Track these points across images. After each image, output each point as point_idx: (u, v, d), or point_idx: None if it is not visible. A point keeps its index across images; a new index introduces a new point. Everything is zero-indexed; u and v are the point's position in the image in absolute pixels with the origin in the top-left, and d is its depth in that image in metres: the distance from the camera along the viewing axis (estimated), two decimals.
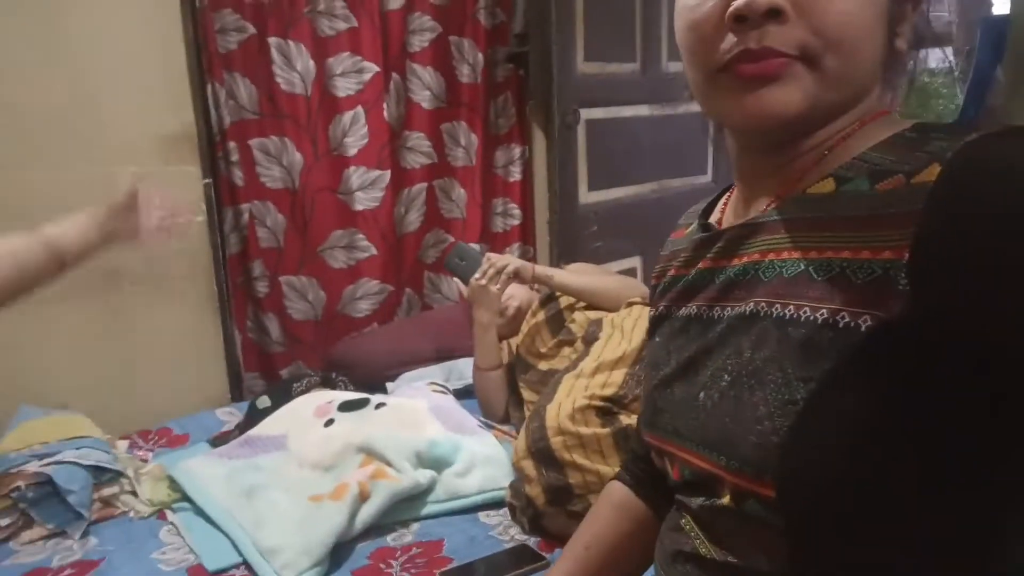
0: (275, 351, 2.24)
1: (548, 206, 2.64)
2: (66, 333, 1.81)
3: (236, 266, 2.16)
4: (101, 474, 1.49)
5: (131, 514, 1.46)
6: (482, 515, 1.42)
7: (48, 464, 1.43)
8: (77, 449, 1.49)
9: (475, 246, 1.89)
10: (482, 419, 1.86)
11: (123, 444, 1.71)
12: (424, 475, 1.44)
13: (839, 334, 0.48)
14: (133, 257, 1.87)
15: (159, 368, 1.95)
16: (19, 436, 1.54)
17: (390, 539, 1.34)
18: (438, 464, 1.49)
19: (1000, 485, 0.45)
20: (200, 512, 1.42)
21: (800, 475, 0.49)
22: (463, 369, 2.10)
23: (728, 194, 0.70)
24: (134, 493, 1.51)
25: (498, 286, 1.78)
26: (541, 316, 1.87)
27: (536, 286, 1.89)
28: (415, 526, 1.39)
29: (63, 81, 1.76)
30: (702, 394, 0.59)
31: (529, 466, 1.30)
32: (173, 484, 1.52)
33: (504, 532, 1.35)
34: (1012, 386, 0.42)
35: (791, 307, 0.53)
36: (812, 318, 0.50)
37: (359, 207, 2.31)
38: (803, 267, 0.53)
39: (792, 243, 0.55)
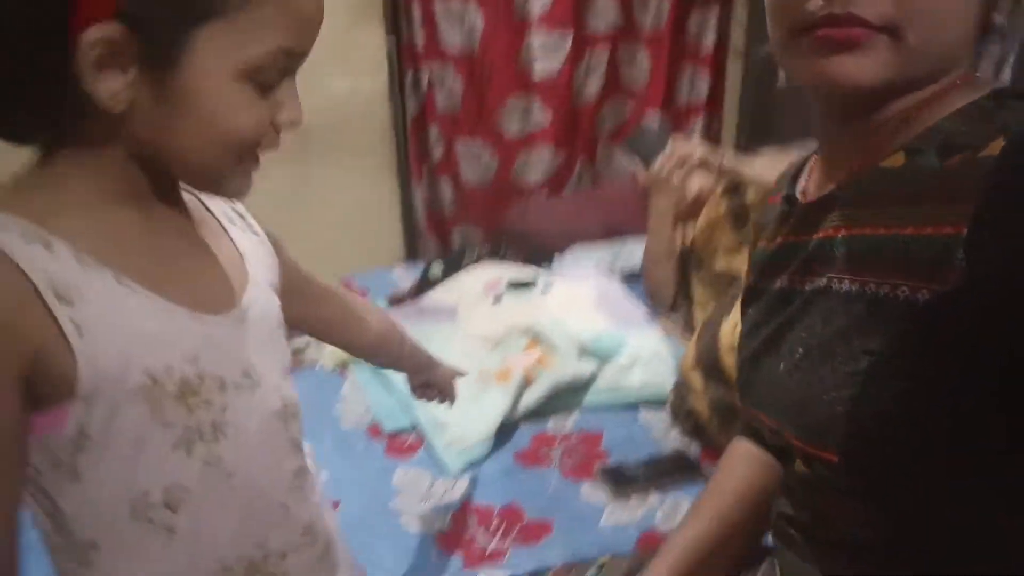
0: (447, 214, 2.28)
1: (741, 80, 2.40)
2: (260, 197, 1.92)
3: (414, 129, 2.16)
4: (290, 330, 1.61)
5: (317, 367, 1.59)
6: (642, 413, 1.41)
7: None
8: None
9: (656, 126, 1.76)
10: (649, 306, 1.82)
11: None
12: (587, 366, 1.45)
13: (899, 307, 0.51)
14: (321, 123, 1.93)
15: (342, 227, 2.06)
16: None
17: (550, 425, 1.38)
18: (602, 357, 1.48)
19: None
20: (378, 373, 1.53)
21: (861, 441, 0.53)
22: (631, 251, 2.04)
23: (815, 158, 0.69)
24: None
25: (681, 175, 1.66)
26: (723, 207, 1.75)
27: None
28: (575, 415, 1.41)
29: None
30: (782, 365, 0.62)
31: (696, 378, 1.26)
32: None
33: (663, 435, 1.34)
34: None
35: (858, 282, 0.55)
36: (875, 292, 0.53)
37: (538, 73, 2.21)
38: (871, 243, 0.55)
39: (863, 219, 0.56)
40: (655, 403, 1.42)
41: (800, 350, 0.60)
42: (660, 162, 1.68)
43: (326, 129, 1.95)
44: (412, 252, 2.22)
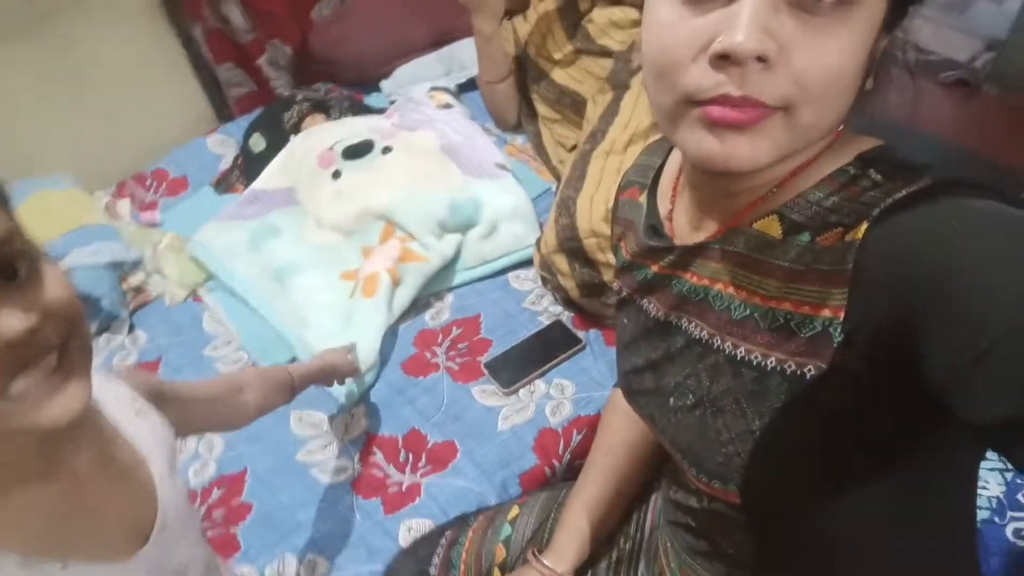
0: (245, 40, 1.95)
1: None
2: (12, 88, 1.56)
3: None
4: (121, 266, 1.46)
5: (166, 300, 1.48)
6: (513, 279, 1.43)
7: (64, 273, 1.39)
8: (87, 246, 1.43)
9: None
10: (494, 131, 1.73)
11: (124, 205, 1.63)
12: (449, 245, 1.42)
13: (787, 379, 0.54)
14: None
15: (128, 101, 1.74)
16: None
17: (428, 318, 1.39)
18: (462, 227, 1.44)
19: (909, 470, 0.56)
20: (234, 296, 1.44)
21: (761, 488, 0.59)
22: (462, 56, 1.86)
23: (677, 172, 0.68)
24: (160, 272, 1.51)
25: None
26: (551, 3, 1.57)
27: None
28: (449, 297, 1.42)
29: None
30: (671, 399, 0.65)
31: (561, 260, 1.26)
32: (197, 259, 1.50)
33: (537, 302, 1.38)
34: (911, 419, 0.51)
35: (742, 348, 0.57)
36: (763, 363, 0.56)
37: None
38: (750, 311, 0.57)
39: (740, 280, 0.58)
40: (522, 264, 1.43)
41: (690, 398, 0.63)
42: None
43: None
44: (221, 109, 1.93)
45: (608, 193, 1.21)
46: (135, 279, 1.47)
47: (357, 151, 1.54)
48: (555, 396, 1.23)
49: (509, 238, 1.44)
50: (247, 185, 1.63)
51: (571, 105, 1.53)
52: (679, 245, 0.64)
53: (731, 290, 0.59)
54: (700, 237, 0.61)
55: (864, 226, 0.49)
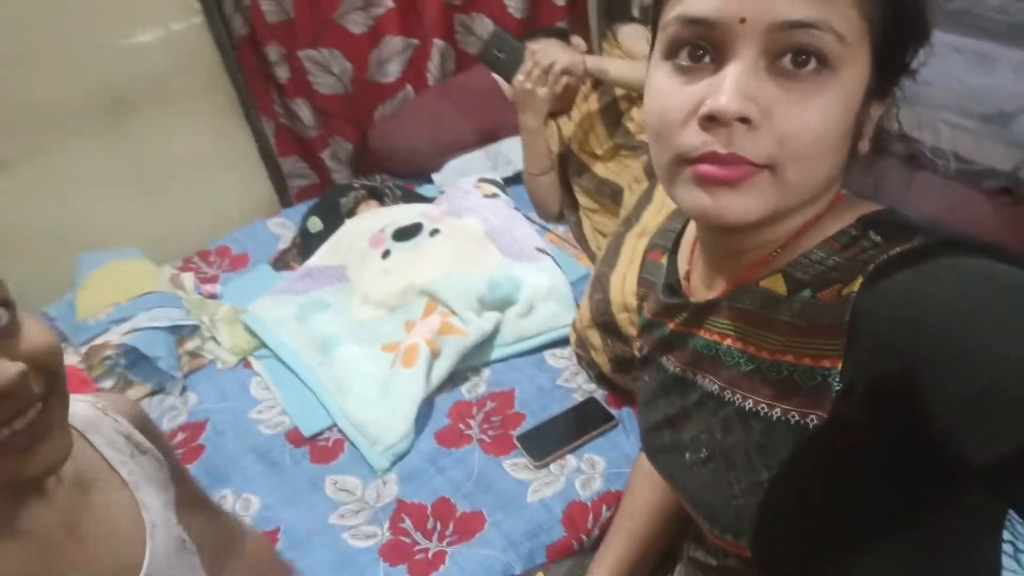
0: (311, 135, 2.11)
1: None
2: (95, 171, 1.73)
3: (247, 52, 1.93)
4: (180, 330, 1.55)
5: (218, 365, 1.56)
6: (548, 356, 1.47)
7: (128, 333, 1.49)
8: (150, 310, 1.53)
9: (505, 35, 1.62)
10: (536, 221, 1.81)
11: (188, 278, 1.74)
12: (488, 321, 1.47)
13: (792, 430, 0.57)
14: (137, 80, 1.70)
15: (199, 186, 1.89)
16: (90, 296, 1.57)
17: (465, 390, 1.42)
18: (500, 305, 1.50)
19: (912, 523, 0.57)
20: (283, 365, 1.51)
21: (771, 541, 0.61)
22: (509, 153, 1.98)
23: (695, 235, 0.71)
24: (215, 339, 1.59)
25: (545, 89, 1.58)
26: (594, 103, 1.69)
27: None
28: (486, 372, 1.46)
29: None
30: (687, 455, 0.68)
31: (594, 336, 1.30)
32: (249, 328, 1.59)
33: (571, 380, 1.41)
34: (912, 468, 0.52)
35: (750, 400, 0.60)
36: (769, 415, 0.59)
37: None
38: (757, 365, 0.60)
39: (747, 336, 0.61)
40: (559, 342, 1.48)
41: (704, 451, 0.66)
42: (521, 77, 1.58)
43: (145, 85, 1.73)
44: (283, 194, 2.08)
45: (640, 272, 1.26)
46: (191, 344, 1.55)
47: (406, 233, 1.63)
48: (586, 471, 1.23)
49: (546, 317, 1.49)
50: (302, 263, 1.73)
51: (610, 195, 1.61)
52: (692, 302, 0.67)
53: (740, 345, 0.61)
54: (712, 295, 0.65)
55: (859, 280, 0.52)
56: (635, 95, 1.61)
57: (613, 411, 1.32)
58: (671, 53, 0.54)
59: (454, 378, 1.44)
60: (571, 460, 1.25)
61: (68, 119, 1.64)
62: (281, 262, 1.79)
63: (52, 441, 0.51)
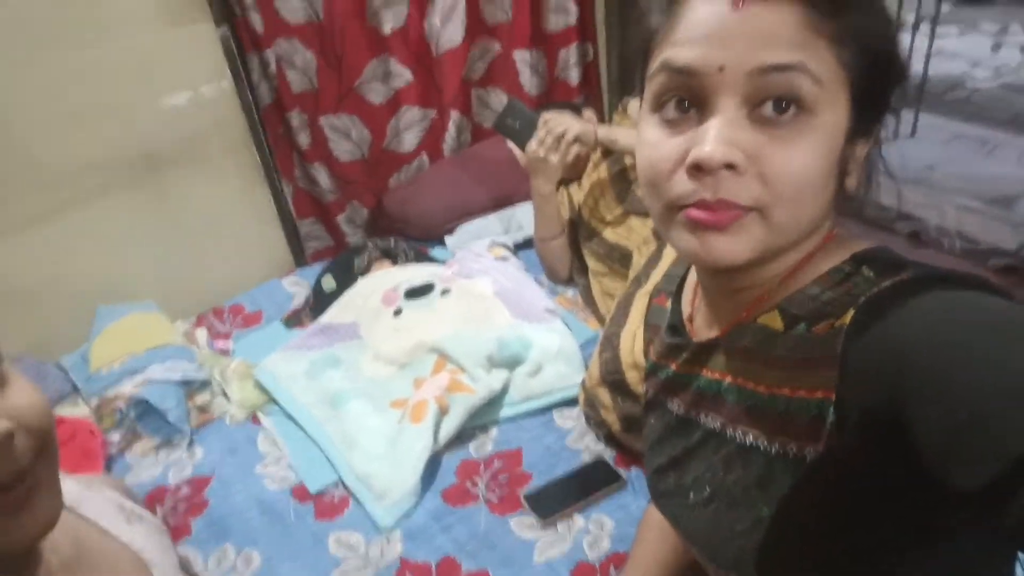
0: (328, 199, 2.17)
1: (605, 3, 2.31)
2: (119, 229, 1.78)
3: (272, 118, 2.00)
4: (191, 384, 1.56)
5: (227, 420, 1.56)
6: (557, 416, 1.47)
7: (141, 384, 1.50)
8: (163, 363, 1.55)
9: (519, 105, 1.69)
10: (546, 283, 1.84)
11: (202, 334, 1.77)
12: (497, 380, 1.47)
13: (790, 464, 0.57)
14: (166, 139, 1.77)
15: (217, 244, 1.94)
16: (105, 346, 1.60)
17: (472, 449, 1.42)
18: (509, 364, 1.51)
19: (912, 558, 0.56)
20: (291, 421, 1.51)
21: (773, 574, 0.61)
22: (521, 218, 2.03)
23: (696, 279, 0.73)
24: (224, 394, 1.60)
25: (557, 156, 1.63)
26: (604, 172, 1.74)
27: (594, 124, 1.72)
28: (493, 431, 1.45)
29: None
30: (691, 495, 0.68)
31: (604, 394, 1.30)
32: (260, 384, 1.59)
33: (579, 440, 1.40)
34: (910, 500, 0.51)
35: (751, 435, 0.61)
36: (768, 449, 0.59)
37: (387, 28, 2.06)
38: (756, 400, 0.60)
39: (747, 372, 0.62)
40: (567, 402, 1.48)
41: (707, 490, 0.66)
42: (534, 145, 1.64)
43: (174, 147, 1.80)
44: (298, 255, 2.13)
45: None
46: (201, 398, 1.56)
47: (418, 292, 1.66)
48: (593, 531, 1.21)
49: (555, 377, 1.49)
50: (314, 321, 1.75)
51: (619, 259, 1.64)
52: (694, 342, 0.68)
53: (739, 381, 0.62)
54: (713, 334, 0.66)
55: (850, 313, 0.53)
56: None
57: (622, 472, 1.31)
58: (658, 106, 0.57)
59: (461, 436, 1.44)
60: (578, 520, 1.24)
61: (102, 176, 1.71)
62: (294, 320, 1.81)
63: (41, 503, 0.48)
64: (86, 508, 0.64)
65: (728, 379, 0.64)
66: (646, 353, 0.83)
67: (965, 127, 3.76)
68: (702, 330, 0.70)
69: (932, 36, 3.34)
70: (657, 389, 0.76)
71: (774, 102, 0.51)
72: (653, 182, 0.57)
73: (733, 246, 0.54)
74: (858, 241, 0.61)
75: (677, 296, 0.77)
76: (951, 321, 0.47)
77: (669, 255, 1.40)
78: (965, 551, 0.57)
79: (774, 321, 0.60)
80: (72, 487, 0.66)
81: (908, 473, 0.48)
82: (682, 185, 0.54)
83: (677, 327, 0.73)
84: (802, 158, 0.52)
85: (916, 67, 3.47)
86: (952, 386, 0.44)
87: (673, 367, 0.72)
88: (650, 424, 0.79)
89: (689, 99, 0.54)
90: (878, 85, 0.55)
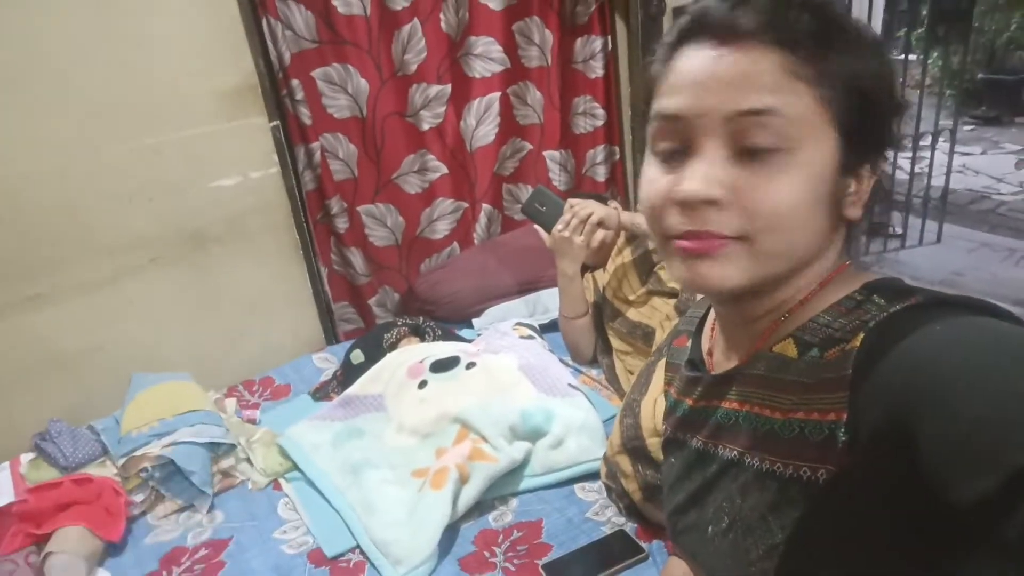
0: (361, 282, 2.25)
1: (631, 103, 2.45)
2: (162, 300, 1.86)
3: (314, 203, 2.13)
4: (217, 448, 1.58)
5: (249, 485, 1.56)
6: (578, 489, 1.45)
7: (168, 446, 1.52)
8: (192, 426, 1.58)
9: (547, 191, 1.78)
10: (570, 363, 1.86)
11: (231, 403, 1.80)
12: (519, 450, 1.47)
13: (803, 487, 0.58)
14: (214, 218, 1.88)
15: (253, 319, 2.01)
16: (137, 411, 1.63)
17: (491, 519, 1.40)
18: (531, 435, 1.51)
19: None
20: (312, 487, 1.51)
21: None
22: (547, 302, 2.08)
23: (714, 318, 0.76)
24: (249, 460, 1.62)
25: (582, 238, 1.70)
26: (628, 255, 1.80)
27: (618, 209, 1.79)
28: (514, 502, 1.44)
29: (114, 54, 1.68)
30: (710, 528, 0.69)
31: (624, 462, 1.30)
32: (284, 451, 1.61)
33: (601, 513, 1.38)
34: (923, 514, 0.50)
35: (767, 461, 0.62)
36: (783, 473, 0.60)
37: (425, 126, 2.20)
38: (772, 426, 0.62)
39: (763, 400, 0.64)
40: (589, 476, 1.46)
41: (725, 520, 0.66)
42: (560, 226, 1.71)
43: (221, 225, 1.90)
44: (330, 334, 2.19)
45: None
46: (226, 463, 1.58)
47: (444, 365, 1.69)
48: None
49: (577, 450, 1.48)
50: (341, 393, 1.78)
51: (642, 337, 1.66)
52: (712, 375, 0.71)
53: (756, 409, 0.64)
54: (731, 366, 0.69)
55: (861, 336, 0.56)
56: None
57: (643, 544, 1.28)
58: (654, 147, 0.63)
59: (481, 507, 1.42)
60: None
61: (151, 250, 1.81)
62: (321, 392, 1.85)
63: None
64: None
65: (744, 408, 0.66)
66: (666, 393, 0.85)
67: (991, 237, 3.81)
68: (720, 364, 0.72)
69: (952, 148, 3.45)
70: (676, 427, 0.77)
71: (752, 142, 0.56)
72: (650, 216, 0.63)
73: (721, 272, 0.59)
74: (870, 273, 0.63)
75: (697, 335, 0.80)
76: (958, 342, 0.49)
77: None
78: None
79: (788, 349, 0.62)
80: None
81: (915, 491, 0.48)
82: (673, 218, 0.60)
83: (696, 362, 0.76)
84: (783, 192, 0.56)
85: (937, 181, 3.57)
86: (956, 402, 0.46)
87: (690, 403, 0.74)
88: (669, 463, 0.80)
89: (679, 141, 0.60)
90: (869, 119, 0.58)
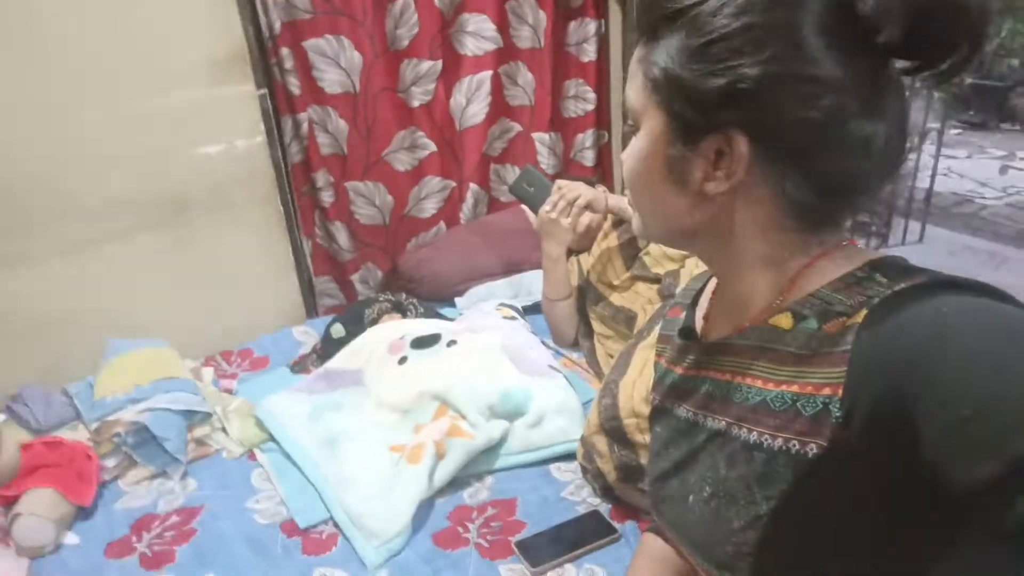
0: (345, 258, 2.24)
1: (623, 90, 2.44)
2: (142, 266, 1.84)
3: (299, 176, 2.10)
4: (192, 416, 1.57)
5: (224, 454, 1.55)
6: (554, 469, 1.45)
7: (143, 411, 1.51)
8: (167, 393, 1.56)
9: (536, 171, 1.78)
10: (551, 345, 1.86)
11: (208, 372, 1.79)
12: (497, 428, 1.47)
13: (791, 459, 0.57)
14: (198, 185, 1.85)
15: (234, 289, 1.99)
16: (113, 376, 1.61)
17: (466, 495, 1.40)
18: (510, 414, 1.51)
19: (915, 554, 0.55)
20: (287, 458, 1.50)
21: None
22: (531, 284, 2.07)
23: (712, 290, 0.77)
24: (224, 430, 1.60)
25: (569, 219, 1.69)
26: (613, 240, 1.80)
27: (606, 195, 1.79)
28: (489, 479, 1.44)
29: (99, 15, 1.65)
30: (691, 497, 0.68)
31: (601, 442, 1.30)
32: (260, 422, 1.60)
33: (576, 493, 1.38)
34: (912, 504, 0.51)
35: (755, 432, 0.61)
36: (771, 444, 0.60)
37: (415, 103, 2.18)
38: (763, 397, 0.62)
39: (755, 369, 0.63)
40: (566, 456, 1.46)
41: (708, 489, 0.66)
42: (547, 207, 1.70)
43: (204, 193, 1.88)
44: (311, 308, 2.18)
45: (649, 380, 1.28)
46: (200, 431, 1.56)
47: (425, 342, 1.68)
48: None
49: (554, 430, 1.49)
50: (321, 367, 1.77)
51: (624, 321, 1.67)
52: (705, 342, 0.71)
53: (748, 380, 0.64)
54: (724, 335, 0.68)
55: (863, 312, 0.55)
56: None
57: (617, 525, 1.28)
58: None
59: (457, 483, 1.42)
60: (571, 570, 1.21)
61: (131, 215, 1.79)
62: (300, 366, 1.83)
63: None
64: None
65: (738, 379, 0.65)
66: (656, 364, 0.84)
67: (973, 240, 3.85)
68: (713, 335, 0.72)
69: (938, 150, 3.48)
70: (664, 396, 0.77)
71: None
72: None
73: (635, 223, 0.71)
74: (872, 252, 0.63)
75: (692, 307, 0.80)
76: (962, 324, 0.49)
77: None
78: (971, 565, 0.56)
79: (784, 321, 0.62)
80: None
81: (910, 475, 0.48)
82: None
83: (689, 331, 0.76)
84: (625, 159, 0.66)
85: (922, 183, 3.60)
86: (958, 385, 0.46)
87: (680, 371, 0.74)
88: (655, 432, 0.80)
89: None
90: (685, 101, 0.58)
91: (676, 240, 0.69)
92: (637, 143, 0.64)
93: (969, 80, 5.87)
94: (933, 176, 3.59)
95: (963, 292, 0.52)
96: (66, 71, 1.63)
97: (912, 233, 3.61)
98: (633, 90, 0.63)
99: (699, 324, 0.76)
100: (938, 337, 0.49)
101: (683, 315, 0.80)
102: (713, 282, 0.78)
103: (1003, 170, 4.90)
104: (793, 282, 0.63)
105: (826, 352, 0.56)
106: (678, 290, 1.48)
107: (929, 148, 3.49)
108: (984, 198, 4.43)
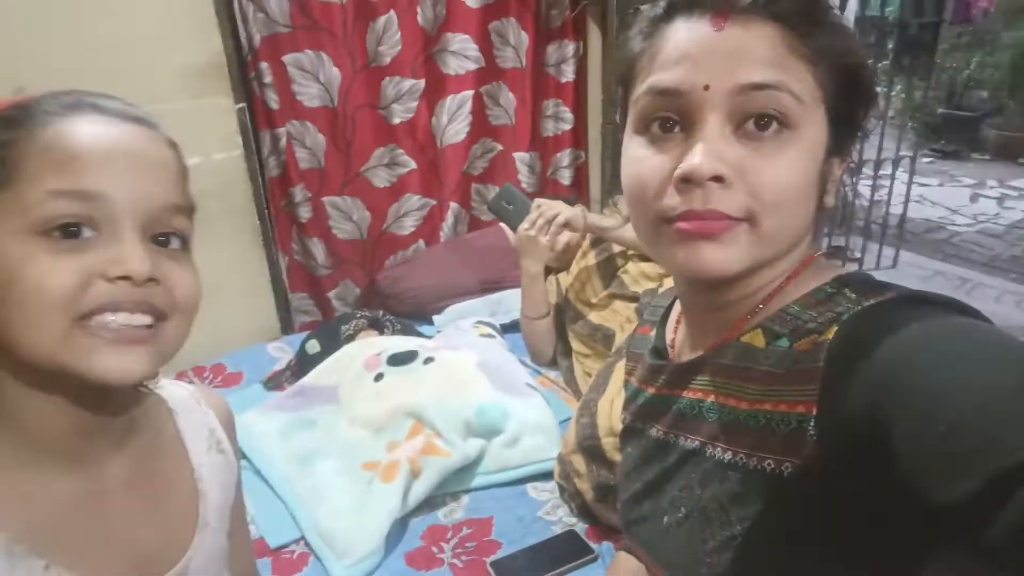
0: (322, 274, 2.21)
1: (602, 110, 2.46)
2: None
3: (277, 190, 2.09)
4: None
5: None
6: (530, 488, 1.43)
7: None
8: None
9: (515, 190, 1.78)
10: (529, 364, 1.85)
11: None
12: (473, 447, 1.45)
13: (766, 479, 0.56)
14: None
15: (207, 304, 1.90)
16: None
17: (441, 515, 1.37)
18: (487, 433, 1.49)
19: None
20: (259, 477, 1.47)
21: None
22: (509, 302, 2.06)
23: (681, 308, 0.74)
24: None
25: (547, 237, 1.69)
26: (592, 259, 1.80)
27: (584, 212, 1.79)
28: (465, 499, 1.41)
29: (80, 29, 1.63)
30: (665, 518, 0.67)
31: (579, 461, 1.29)
32: None
33: (552, 512, 1.36)
34: (890, 510, 0.49)
35: (729, 452, 0.60)
36: (745, 464, 0.58)
37: (396, 120, 2.18)
38: (736, 416, 0.60)
39: (728, 389, 0.62)
40: (542, 475, 1.45)
41: (682, 509, 0.65)
42: (526, 224, 1.70)
43: None
44: (286, 324, 2.15)
45: None
46: None
47: (401, 359, 1.66)
48: None
49: (531, 449, 1.47)
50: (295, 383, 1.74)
51: (602, 339, 1.66)
52: (676, 362, 0.70)
53: (721, 399, 0.63)
54: (696, 355, 0.67)
55: (833, 329, 0.54)
56: (630, 252, 1.72)
57: (593, 545, 1.27)
58: (643, 127, 0.59)
59: (431, 503, 1.40)
60: None
61: None
62: (274, 382, 1.80)
63: (134, 354, 0.52)
64: (182, 418, 0.66)
65: (710, 398, 0.64)
66: (627, 383, 0.83)
67: (945, 266, 3.91)
68: (685, 353, 0.71)
69: (911, 177, 3.54)
70: (635, 416, 0.76)
71: (756, 118, 0.54)
72: (639, 198, 0.59)
73: (724, 256, 0.56)
74: (838, 267, 0.63)
75: (662, 325, 0.79)
76: (933, 340, 0.49)
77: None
78: None
79: (757, 339, 0.61)
80: (183, 395, 0.70)
81: (884, 489, 0.48)
82: (671, 199, 0.56)
83: (660, 350, 0.74)
84: (786, 169, 0.54)
85: (896, 209, 3.67)
86: (932, 401, 0.45)
87: (651, 391, 0.72)
88: (627, 452, 0.79)
89: (675, 118, 0.57)
90: (851, 104, 0.58)
91: (776, 255, 0.60)
92: (800, 149, 0.55)
93: (941, 110, 6.01)
94: (906, 203, 3.65)
95: (931, 307, 0.52)
96: (44, 83, 1.61)
97: (886, 258, 3.65)
98: (795, 84, 0.54)
99: (668, 340, 0.76)
100: (908, 353, 0.48)
101: (652, 333, 0.79)
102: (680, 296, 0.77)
103: (974, 198, 5.00)
104: (770, 297, 0.62)
105: (799, 370, 0.55)
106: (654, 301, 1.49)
107: (902, 176, 3.54)
108: (956, 225, 4.51)
